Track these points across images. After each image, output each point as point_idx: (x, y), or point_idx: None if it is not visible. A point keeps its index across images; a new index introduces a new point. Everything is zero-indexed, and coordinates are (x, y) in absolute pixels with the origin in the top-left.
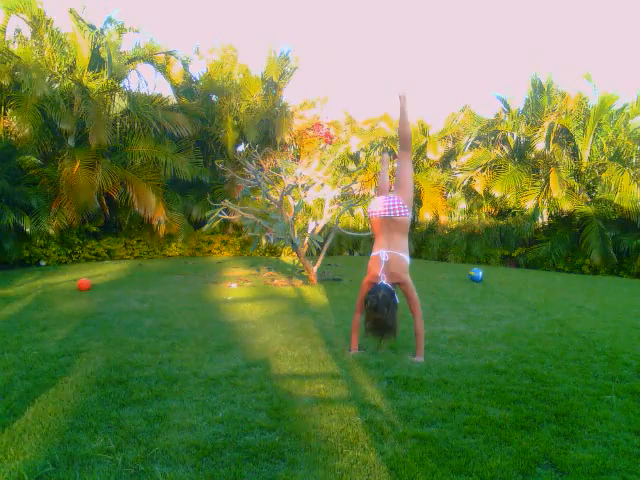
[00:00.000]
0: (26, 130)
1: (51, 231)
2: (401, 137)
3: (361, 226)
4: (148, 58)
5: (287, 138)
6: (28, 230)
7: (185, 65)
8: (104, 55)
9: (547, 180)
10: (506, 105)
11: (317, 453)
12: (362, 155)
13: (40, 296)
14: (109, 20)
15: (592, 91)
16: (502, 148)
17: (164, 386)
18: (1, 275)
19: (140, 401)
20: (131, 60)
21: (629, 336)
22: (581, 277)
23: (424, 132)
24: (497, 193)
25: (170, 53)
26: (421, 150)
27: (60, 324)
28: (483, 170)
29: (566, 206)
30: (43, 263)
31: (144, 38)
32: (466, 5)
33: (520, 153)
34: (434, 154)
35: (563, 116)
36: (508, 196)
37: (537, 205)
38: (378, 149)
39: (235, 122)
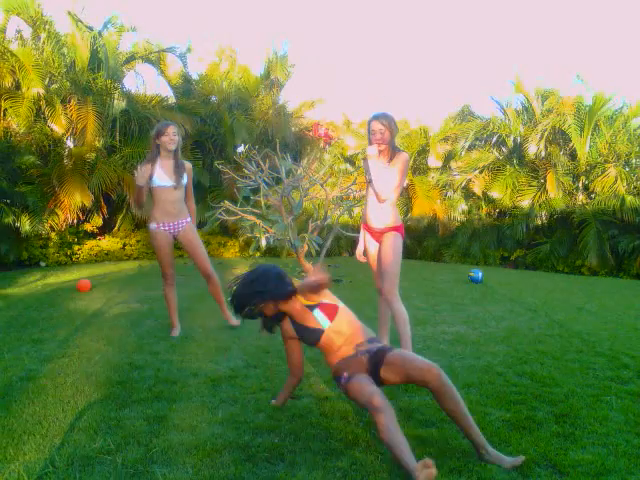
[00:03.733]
0: (24, 130)
1: (46, 231)
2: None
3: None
4: (146, 57)
5: (287, 139)
6: (25, 230)
7: (184, 62)
8: (102, 56)
9: (544, 181)
10: (502, 107)
11: (317, 454)
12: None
13: (40, 297)
14: (108, 21)
15: (588, 92)
16: (501, 150)
17: (164, 387)
18: (1, 276)
19: (140, 402)
20: (129, 60)
21: (629, 337)
22: (581, 278)
23: (424, 134)
24: (495, 194)
25: (169, 50)
26: (421, 152)
27: (60, 325)
28: (481, 171)
29: (563, 207)
30: (43, 264)
31: (143, 37)
32: (468, 5)
33: (518, 155)
34: (435, 156)
35: (558, 117)
36: (506, 197)
37: (533, 206)
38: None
39: (234, 123)
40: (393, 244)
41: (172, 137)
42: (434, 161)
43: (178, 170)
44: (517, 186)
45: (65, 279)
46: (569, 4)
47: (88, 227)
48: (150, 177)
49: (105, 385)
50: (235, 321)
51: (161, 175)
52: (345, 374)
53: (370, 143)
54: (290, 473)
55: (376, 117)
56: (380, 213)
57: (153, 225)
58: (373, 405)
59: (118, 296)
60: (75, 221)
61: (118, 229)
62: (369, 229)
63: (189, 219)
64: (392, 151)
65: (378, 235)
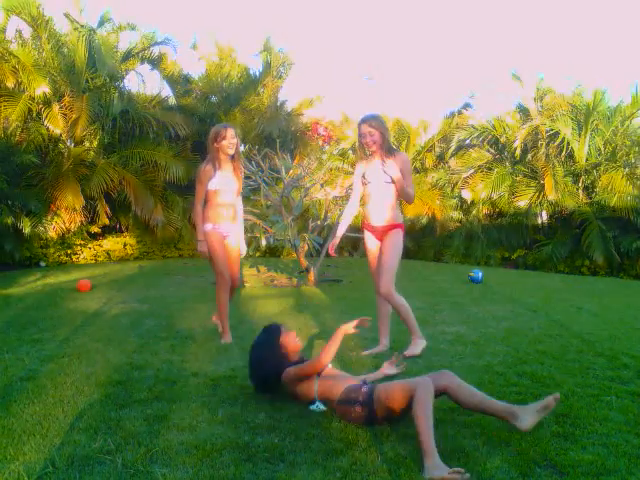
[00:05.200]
0: (23, 130)
1: (50, 233)
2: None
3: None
4: (145, 56)
5: (286, 138)
6: (27, 231)
7: (179, 61)
8: (95, 54)
9: (542, 181)
10: (499, 106)
11: (317, 453)
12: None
13: (40, 297)
14: (105, 18)
15: (586, 91)
16: (498, 149)
17: (164, 387)
18: (1, 276)
19: (140, 402)
20: (127, 58)
21: (629, 337)
22: (581, 278)
23: (423, 132)
24: (493, 194)
25: (165, 43)
26: (420, 151)
27: (60, 325)
28: (479, 171)
29: (562, 207)
30: (43, 264)
31: (141, 35)
32: (467, 4)
33: (515, 154)
34: (433, 154)
35: (557, 117)
36: (504, 197)
37: (530, 206)
38: None
39: (233, 122)
40: (395, 240)
41: (231, 141)
42: (432, 160)
43: (237, 173)
44: (515, 187)
45: (65, 279)
46: (568, 4)
47: (92, 228)
48: (210, 179)
49: (105, 385)
50: (229, 338)
51: (221, 179)
52: (365, 386)
53: (360, 146)
54: (290, 473)
55: (364, 120)
56: (383, 211)
57: (209, 225)
58: (410, 384)
59: (118, 296)
60: (80, 224)
61: (122, 230)
62: (370, 227)
63: (238, 225)
64: (387, 152)
65: (380, 233)
